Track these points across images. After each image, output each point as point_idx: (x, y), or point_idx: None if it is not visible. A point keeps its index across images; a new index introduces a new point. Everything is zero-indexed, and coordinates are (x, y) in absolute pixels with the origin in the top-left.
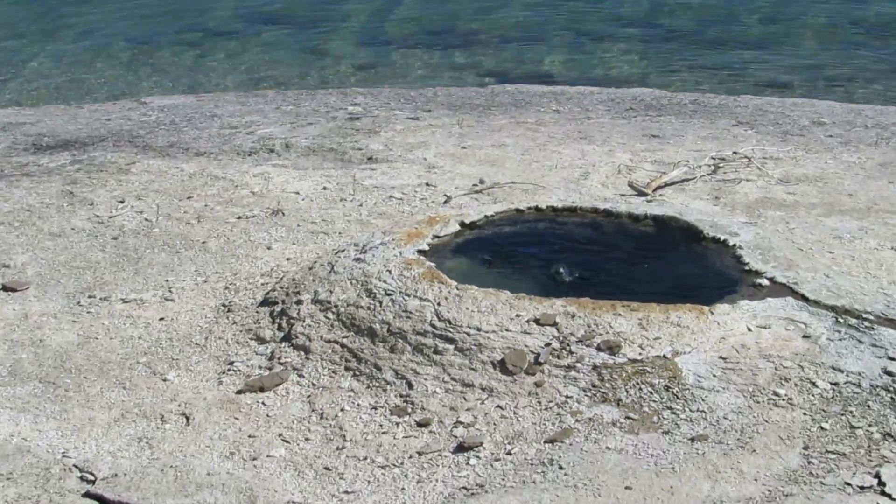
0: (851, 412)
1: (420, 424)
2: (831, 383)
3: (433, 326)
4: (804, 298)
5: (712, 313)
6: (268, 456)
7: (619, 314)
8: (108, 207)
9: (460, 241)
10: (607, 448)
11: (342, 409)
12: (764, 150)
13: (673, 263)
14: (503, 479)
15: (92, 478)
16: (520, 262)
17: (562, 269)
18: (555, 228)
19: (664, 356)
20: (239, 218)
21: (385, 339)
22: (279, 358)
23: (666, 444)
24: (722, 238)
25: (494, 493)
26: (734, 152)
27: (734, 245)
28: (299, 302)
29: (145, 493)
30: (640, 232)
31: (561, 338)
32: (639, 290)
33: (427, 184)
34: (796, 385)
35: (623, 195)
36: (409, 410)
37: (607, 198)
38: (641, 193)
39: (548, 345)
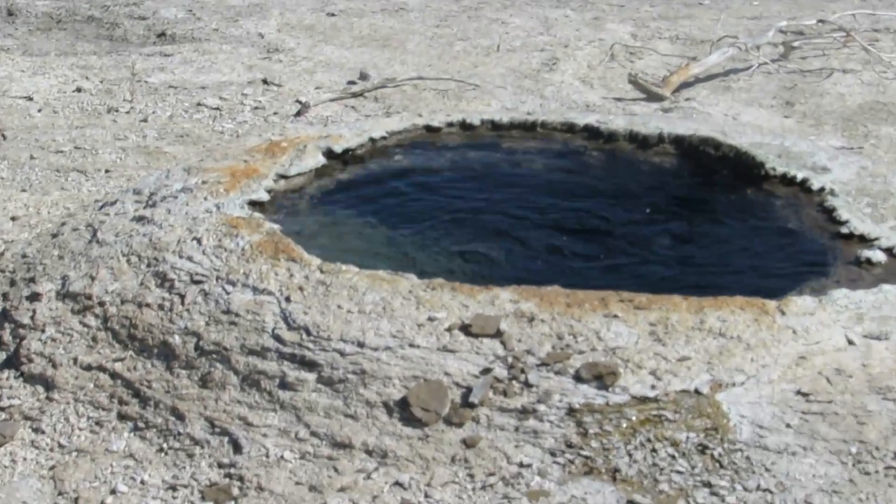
0: None
1: None
2: None
3: (279, 340)
4: None
5: (783, 313)
6: None
7: (615, 315)
8: None
9: (326, 184)
10: None
11: (113, 491)
12: (875, 14)
13: (711, 223)
14: None
15: None
16: (434, 223)
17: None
18: (498, 161)
19: (697, 391)
20: None
21: (191, 363)
22: None
23: None
24: (800, 176)
25: None
26: (820, 21)
27: (822, 189)
28: (35, 297)
29: None
30: (651, 165)
31: (510, 359)
32: (651, 272)
33: (265, 81)
34: None
35: (619, 100)
36: (236, 492)
37: (591, 105)
38: (653, 96)
39: (486, 371)
